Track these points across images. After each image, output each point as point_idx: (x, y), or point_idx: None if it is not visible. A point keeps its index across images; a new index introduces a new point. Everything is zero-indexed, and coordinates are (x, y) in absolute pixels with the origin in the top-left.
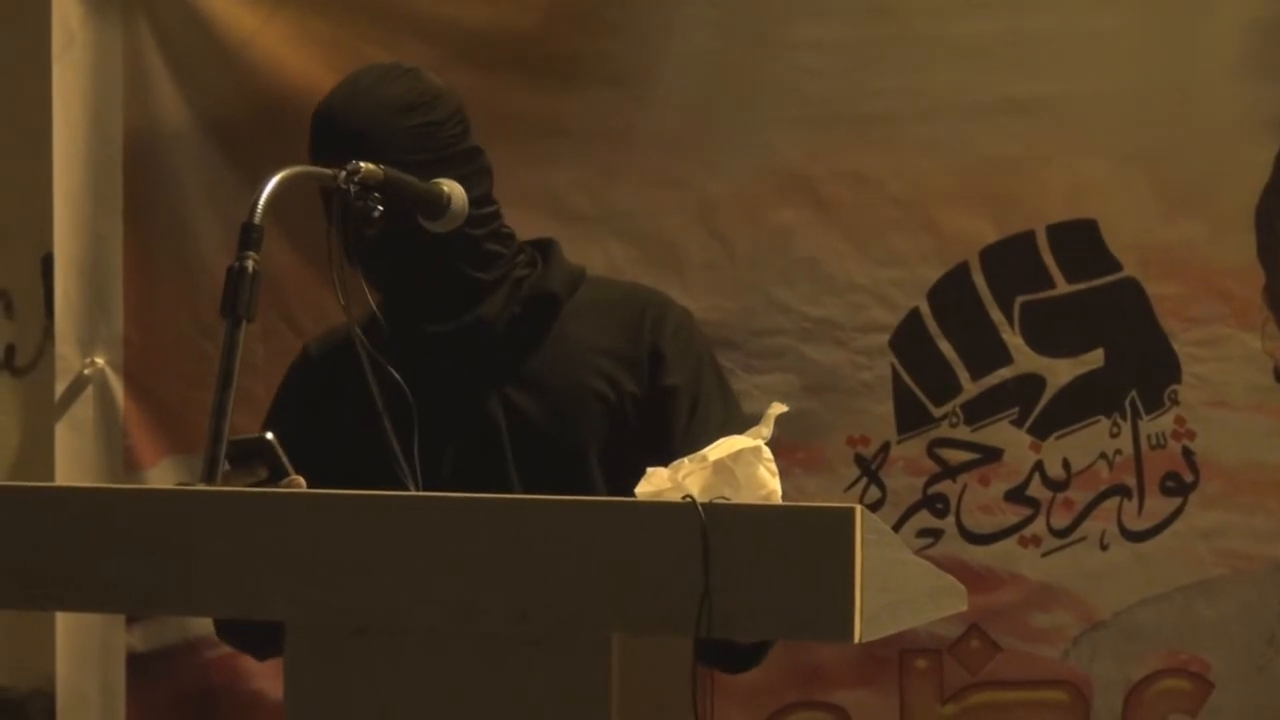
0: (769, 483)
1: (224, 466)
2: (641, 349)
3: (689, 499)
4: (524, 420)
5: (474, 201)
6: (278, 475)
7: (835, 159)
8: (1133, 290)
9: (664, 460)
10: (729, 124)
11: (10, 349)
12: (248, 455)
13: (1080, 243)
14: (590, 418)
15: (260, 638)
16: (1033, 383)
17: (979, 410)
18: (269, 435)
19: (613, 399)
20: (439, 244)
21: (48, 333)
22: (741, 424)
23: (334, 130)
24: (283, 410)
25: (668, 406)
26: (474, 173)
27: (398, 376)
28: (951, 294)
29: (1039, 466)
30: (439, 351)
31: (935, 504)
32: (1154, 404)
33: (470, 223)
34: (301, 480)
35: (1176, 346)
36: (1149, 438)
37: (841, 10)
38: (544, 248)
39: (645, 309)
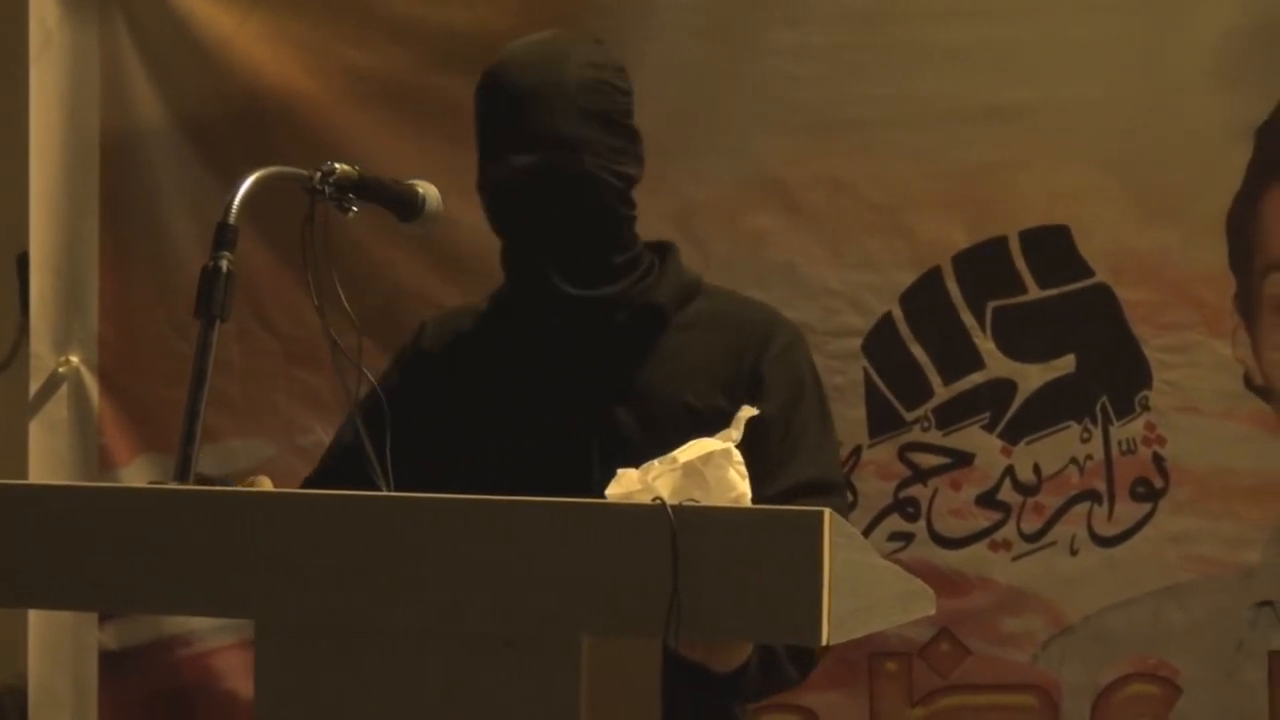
0: (739, 485)
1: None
2: (743, 370)
3: (659, 501)
4: (616, 431)
5: (624, 179)
6: None
7: (812, 164)
8: (1104, 296)
9: (758, 489)
10: (707, 129)
11: None
12: None
13: (1053, 248)
14: (684, 435)
15: None
16: (1004, 387)
17: (950, 414)
18: (229, 481)
19: (707, 419)
20: (587, 201)
21: (23, 331)
22: (834, 452)
23: (521, 66)
24: (389, 384)
25: (761, 434)
26: (633, 153)
27: (370, 377)
28: (924, 299)
29: (1010, 471)
30: (551, 329)
31: (906, 508)
32: (1125, 410)
33: (618, 197)
34: (267, 480)
35: (1148, 352)
36: (1120, 443)
37: (821, 17)
38: (663, 252)
39: (753, 328)
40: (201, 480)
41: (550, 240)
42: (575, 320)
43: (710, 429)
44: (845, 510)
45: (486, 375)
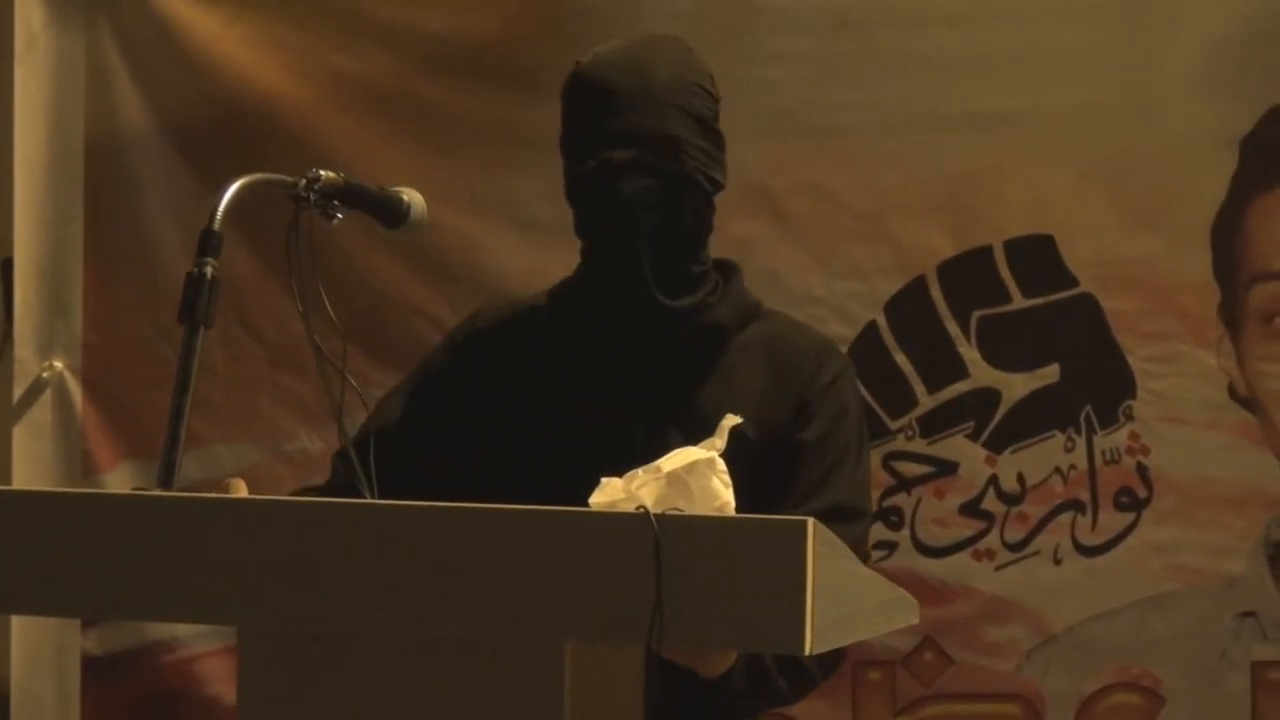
0: (722, 494)
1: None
2: (792, 397)
3: (642, 510)
4: (663, 449)
5: (714, 184)
6: None
7: (796, 171)
8: (1089, 306)
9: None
10: None
11: None
12: None
13: (1037, 258)
14: (730, 459)
15: None
16: (988, 397)
17: (935, 423)
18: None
19: (755, 444)
20: (681, 198)
21: (6, 336)
22: (865, 480)
23: (623, 66)
24: (430, 374)
25: (800, 457)
26: (720, 159)
27: (354, 384)
28: (909, 307)
29: (994, 480)
30: (609, 348)
31: (890, 516)
32: (1109, 419)
33: (706, 202)
34: (242, 484)
35: (1132, 362)
36: (1103, 453)
37: (805, 23)
38: (726, 272)
39: (807, 356)
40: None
41: (646, 241)
42: (651, 327)
43: (754, 454)
44: (866, 536)
45: (542, 373)
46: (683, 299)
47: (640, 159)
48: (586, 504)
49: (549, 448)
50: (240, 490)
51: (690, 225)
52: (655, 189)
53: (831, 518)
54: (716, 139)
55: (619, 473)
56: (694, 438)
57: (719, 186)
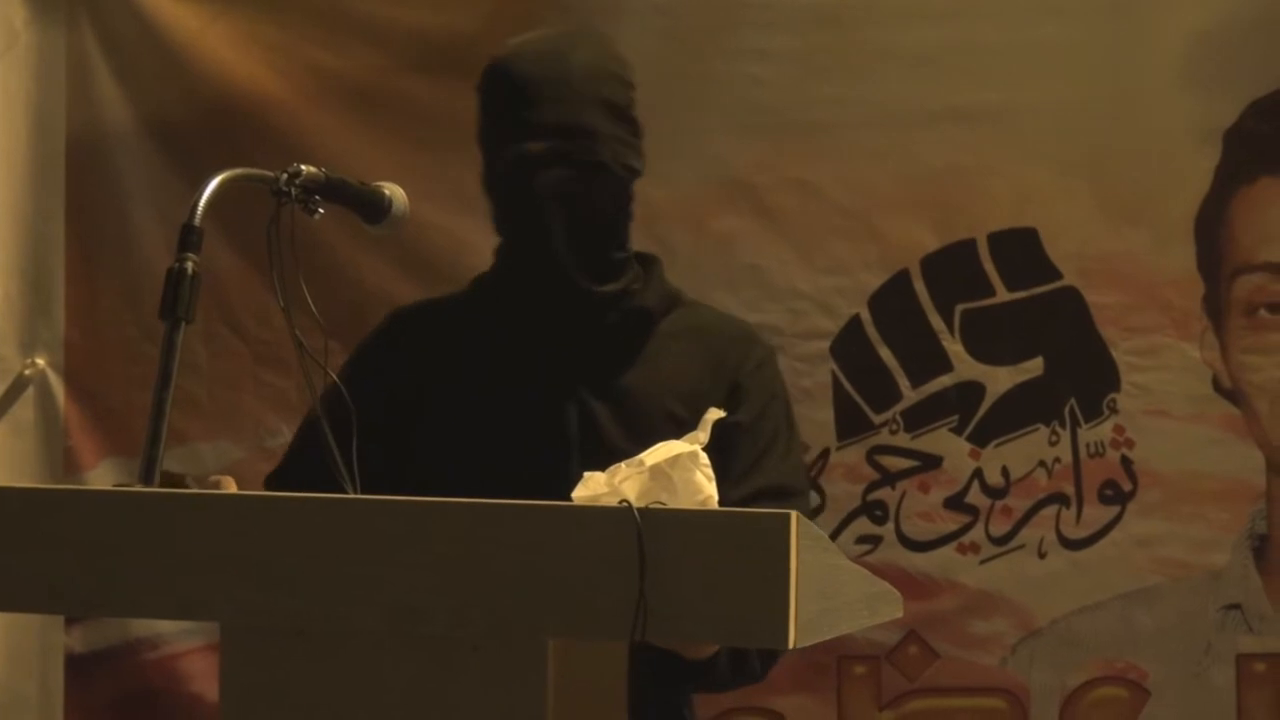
0: (705, 488)
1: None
2: (722, 380)
3: (625, 503)
4: (596, 429)
5: (632, 173)
6: None
7: (780, 166)
8: (1073, 299)
9: (726, 491)
10: (674, 131)
11: None
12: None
13: (1021, 251)
14: (661, 439)
15: None
16: (972, 390)
17: (919, 417)
18: (186, 477)
19: (687, 423)
20: (602, 191)
21: None
22: (799, 461)
23: (540, 57)
24: (356, 371)
25: (734, 441)
26: (637, 147)
27: (334, 376)
28: (892, 301)
29: (978, 474)
30: (535, 334)
31: (874, 511)
32: (1093, 412)
33: (625, 192)
34: (231, 481)
35: (1116, 355)
36: (1088, 446)
37: (788, 19)
38: (647, 264)
39: (733, 342)
40: (166, 476)
41: (562, 230)
42: (573, 313)
43: (688, 432)
44: (808, 515)
45: (467, 364)
46: (607, 285)
47: (556, 150)
48: (523, 487)
49: (484, 434)
50: (229, 488)
51: (609, 213)
52: (572, 179)
53: (771, 497)
54: (633, 126)
55: (555, 455)
56: (624, 420)
57: (635, 173)
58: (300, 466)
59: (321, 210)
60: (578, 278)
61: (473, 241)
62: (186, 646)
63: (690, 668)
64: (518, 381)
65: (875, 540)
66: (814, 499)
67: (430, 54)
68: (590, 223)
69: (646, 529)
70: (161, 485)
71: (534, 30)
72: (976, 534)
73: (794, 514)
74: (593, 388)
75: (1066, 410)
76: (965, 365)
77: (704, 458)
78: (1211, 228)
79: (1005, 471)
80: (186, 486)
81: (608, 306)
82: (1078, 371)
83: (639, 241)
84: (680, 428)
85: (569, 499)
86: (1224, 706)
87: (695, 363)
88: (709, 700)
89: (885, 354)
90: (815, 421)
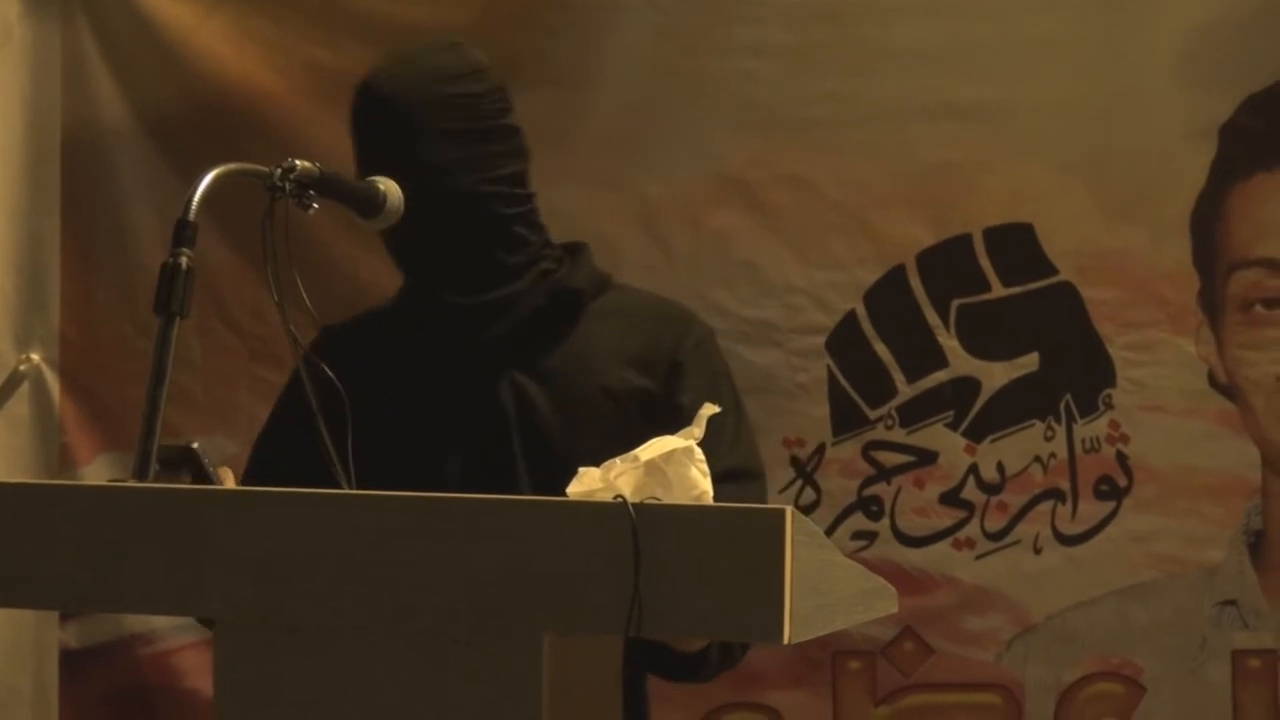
0: (700, 483)
1: (154, 467)
2: (661, 359)
3: (620, 499)
4: (534, 412)
5: (506, 180)
6: (202, 483)
7: (775, 163)
8: (1068, 294)
9: None
10: (669, 127)
11: None
12: (173, 462)
13: (1017, 247)
14: (600, 418)
15: None
16: (968, 386)
17: (914, 413)
18: (194, 443)
19: (625, 402)
20: (467, 218)
21: None
22: (752, 442)
23: (376, 96)
24: (298, 389)
25: (679, 422)
26: (509, 151)
27: (330, 374)
28: (888, 297)
29: (974, 469)
30: (460, 331)
31: (870, 506)
32: (1088, 408)
33: (501, 201)
34: (229, 472)
35: (1111, 351)
36: (1083, 441)
37: (782, 15)
38: (574, 250)
39: (670, 321)
40: (165, 450)
41: (434, 258)
42: (473, 323)
43: (627, 410)
44: (765, 496)
45: (400, 365)
46: (500, 289)
47: (413, 190)
48: (470, 473)
49: (424, 429)
50: (227, 479)
51: (484, 230)
52: (431, 216)
53: (730, 480)
54: (498, 135)
55: (496, 438)
56: (557, 398)
57: (513, 178)
58: (275, 456)
59: (316, 205)
60: (457, 296)
61: None
62: (181, 642)
63: (683, 660)
64: (451, 374)
65: (871, 536)
66: (809, 494)
67: None
68: (464, 245)
69: (641, 524)
70: (163, 460)
71: (389, 54)
72: (972, 529)
73: (789, 509)
74: (525, 369)
75: (1062, 406)
76: (961, 361)
77: (699, 453)
78: (1207, 223)
79: (1001, 467)
80: (195, 457)
81: (524, 299)
82: (1073, 367)
83: (637, 238)
84: (616, 404)
85: (515, 480)
86: (1219, 702)
87: (630, 340)
88: (703, 695)
89: (881, 349)
90: (811, 417)
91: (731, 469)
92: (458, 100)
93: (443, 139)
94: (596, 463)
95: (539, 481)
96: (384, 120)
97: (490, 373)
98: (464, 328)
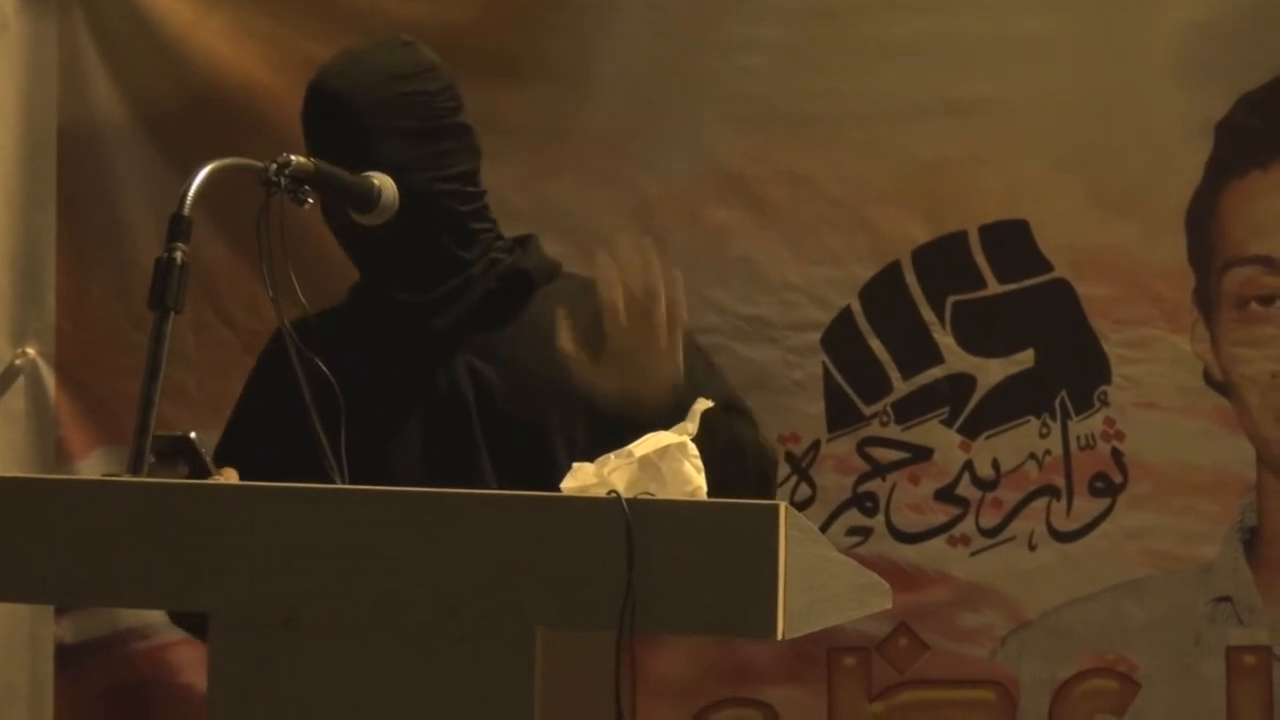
0: (694, 479)
1: (149, 459)
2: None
3: (614, 494)
4: (490, 392)
5: (459, 178)
6: (198, 474)
7: (772, 159)
8: (1064, 291)
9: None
10: (666, 123)
11: None
12: (169, 452)
13: (1012, 243)
14: (557, 394)
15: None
16: (963, 382)
17: (909, 409)
18: (191, 434)
19: (580, 374)
20: (422, 216)
21: None
22: (729, 384)
23: (328, 95)
24: (256, 390)
25: None
26: (462, 149)
27: (324, 368)
28: (883, 293)
29: (969, 466)
30: (413, 323)
31: (865, 502)
32: (1084, 405)
33: (455, 198)
34: (234, 473)
35: (1106, 348)
36: (1078, 438)
37: (780, 11)
38: (523, 240)
39: None
40: (161, 441)
41: (388, 256)
42: (426, 314)
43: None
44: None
45: (356, 360)
46: (450, 282)
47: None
48: (435, 460)
49: (386, 419)
50: (232, 479)
51: (433, 227)
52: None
53: (723, 410)
54: (450, 134)
55: (456, 422)
56: (511, 378)
57: (465, 176)
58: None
59: (311, 200)
60: (408, 294)
61: None
62: (176, 637)
63: None
64: (406, 362)
65: (865, 532)
66: (804, 490)
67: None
68: (417, 244)
69: (635, 520)
70: (160, 450)
71: (340, 52)
72: (967, 526)
73: (783, 505)
74: (479, 352)
75: (1057, 402)
76: (956, 357)
77: (693, 448)
78: (1202, 220)
79: (996, 463)
80: (192, 447)
81: (448, 303)
82: (1068, 364)
83: (634, 234)
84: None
85: (479, 464)
86: (1214, 699)
87: (581, 316)
88: (697, 691)
89: (876, 345)
90: (806, 413)
91: (727, 404)
92: (412, 99)
93: (396, 138)
94: (557, 435)
95: (500, 462)
96: (337, 119)
97: (445, 358)
98: (417, 319)
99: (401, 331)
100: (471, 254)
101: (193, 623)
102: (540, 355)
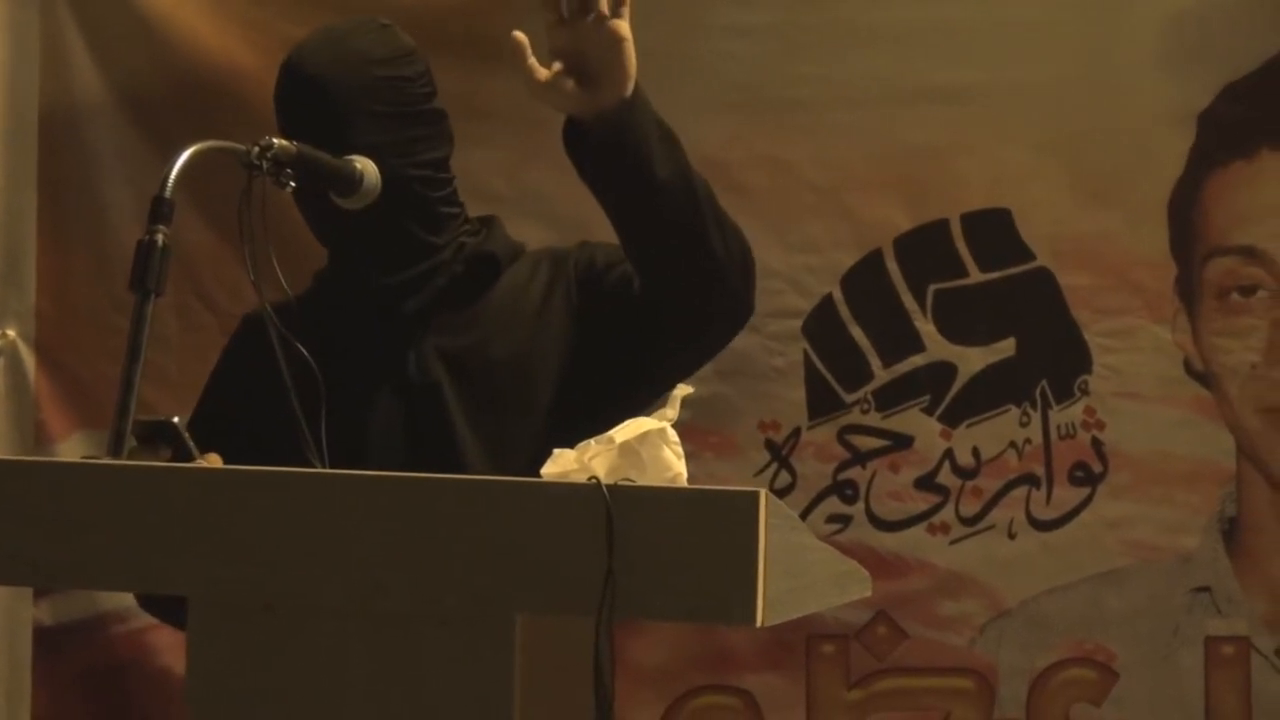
0: (675, 465)
1: (130, 444)
2: (561, 276)
3: (594, 480)
4: (462, 373)
5: (431, 164)
6: (181, 457)
7: (754, 144)
8: (1045, 280)
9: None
10: None
11: None
12: (152, 436)
13: (994, 232)
14: (526, 368)
15: (182, 609)
16: (944, 370)
17: (890, 397)
18: (174, 418)
19: (552, 320)
20: (391, 202)
21: None
22: None
23: (304, 76)
24: (223, 379)
25: (600, 275)
26: (436, 134)
27: (305, 352)
28: (865, 281)
29: (949, 454)
30: (383, 308)
31: (845, 490)
32: (1064, 394)
33: (427, 184)
34: (218, 459)
35: (1088, 337)
36: (1059, 427)
37: None
38: (488, 221)
39: (566, 252)
40: (144, 426)
41: (357, 240)
42: (395, 298)
43: (560, 332)
44: None
45: (325, 346)
46: (420, 265)
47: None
48: (411, 443)
49: (352, 395)
50: (215, 464)
51: (410, 213)
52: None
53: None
54: (425, 119)
55: (430, 404)
56: (480, 356)
57: (437, 163)
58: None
59: (293, 184)
60: (382, 275)
61: None
62: (154, 620)
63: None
64: (376, 346)
65: (845, 520)
66: (784, 477)
67: (406, 28)
68: (389, 228)
69: (615, 506)
70: (143, 435)
71: (314, 31)
72: (947, 514)
73: (763, 492)
74: (448, 333)
75: (1038, 391)
76: (937, 345)
77: (673, 435)
78: (1184, 210)
79: (976, 452)
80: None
81: (445, 267)
82: (1049, 353)
83: None
84: (551, 338)
85: (456, 446)
86: (1192, 688)
87: (539, 281)
88: (676, 678)
89: (857, 333)
90: (787, 400)
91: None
92: (384, 82)
93: (372, 121)
94: (540, 405)
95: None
96: (313, 101)
97: (415, 341)
98: (386, 303)
99: (371, 316)
100: (441, 239)
101: (163, 608)
102: (510, 332)
